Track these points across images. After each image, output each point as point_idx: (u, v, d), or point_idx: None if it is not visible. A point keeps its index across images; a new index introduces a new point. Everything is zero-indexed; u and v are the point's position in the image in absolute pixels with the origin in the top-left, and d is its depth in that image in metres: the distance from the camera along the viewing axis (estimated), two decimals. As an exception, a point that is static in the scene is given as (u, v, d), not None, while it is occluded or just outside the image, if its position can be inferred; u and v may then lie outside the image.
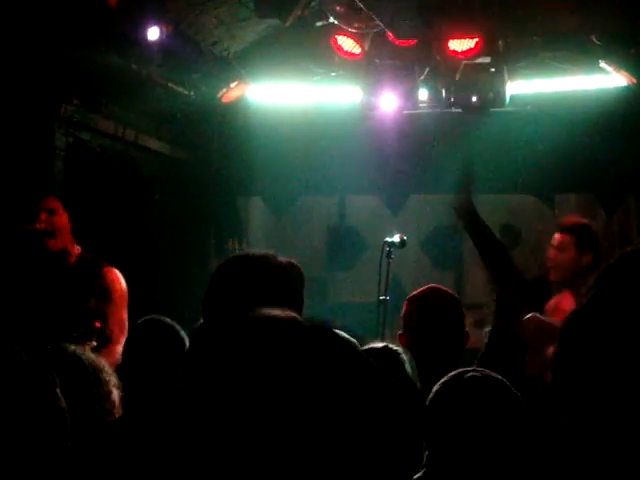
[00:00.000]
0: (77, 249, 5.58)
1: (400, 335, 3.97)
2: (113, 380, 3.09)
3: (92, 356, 3.17)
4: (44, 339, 3.92)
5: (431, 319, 3.89)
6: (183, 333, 4.00)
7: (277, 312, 1.98)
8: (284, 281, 2.75)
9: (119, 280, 5.55)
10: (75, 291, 5.39)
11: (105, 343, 5.27)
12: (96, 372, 3.05)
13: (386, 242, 5.61)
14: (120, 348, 4.99)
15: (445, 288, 4.24)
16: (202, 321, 2.80)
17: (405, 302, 4.10)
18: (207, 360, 1.97)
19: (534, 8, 7.09)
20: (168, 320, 4.11)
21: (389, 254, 5.59)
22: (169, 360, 3.83)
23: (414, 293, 4.13)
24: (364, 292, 7.73)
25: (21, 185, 6.49)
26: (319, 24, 7.40)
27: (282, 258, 2.84)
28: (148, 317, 4.22)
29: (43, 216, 5.40)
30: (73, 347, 3.12)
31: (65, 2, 6.26)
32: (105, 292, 5.49)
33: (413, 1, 6.93)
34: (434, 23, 7.14)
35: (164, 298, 7.71)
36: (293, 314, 1.73)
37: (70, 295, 5.36)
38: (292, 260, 2.86)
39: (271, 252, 2.86)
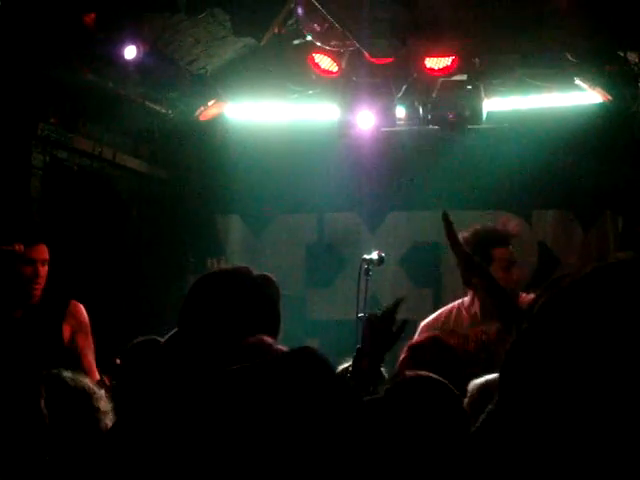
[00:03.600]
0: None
1: None
2: (106, 405, 3.09)
3: (86, 381, 3.17)
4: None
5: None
6: None
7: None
8: (259, 295, 2.76)
9: (84, 312, 5.61)
10: (47, 324, 5.42)
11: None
12: (90, 396, 3.05)
13: (364, 259, 5.59)
14: (97, 377, 5.07)
15: (446, 340, 4.18)
16: (172, 334, 2.81)
17: (405, 348, 4.07)
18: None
19: (510, 26, 7.13)
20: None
21: (367, 271, 5.57)
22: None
23: (414, 342, 4.10)
24: (342, 309, 7.73)
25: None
26: (296, 42, 7.43)
27: (257, 272, 2.84)
28: (143, 338, 4.22)
29: (41, 270, 5.39)
30: (68, 373, 3.12)
31: (42, 21, 6.25)
32: (78, 323, 5.55)
33: (388, 20, 6.95)
34: (410, 42, 7.18)
35: (143, 317, 7.67)
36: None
37: (43, 329, 5.39)
38: (267, 274, 2.87)
39: (245, 267, 2.87)
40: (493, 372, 3.60)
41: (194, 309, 2.74)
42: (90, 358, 5.50)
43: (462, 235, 5.14)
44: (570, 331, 1.21)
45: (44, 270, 5.42)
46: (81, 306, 5.61)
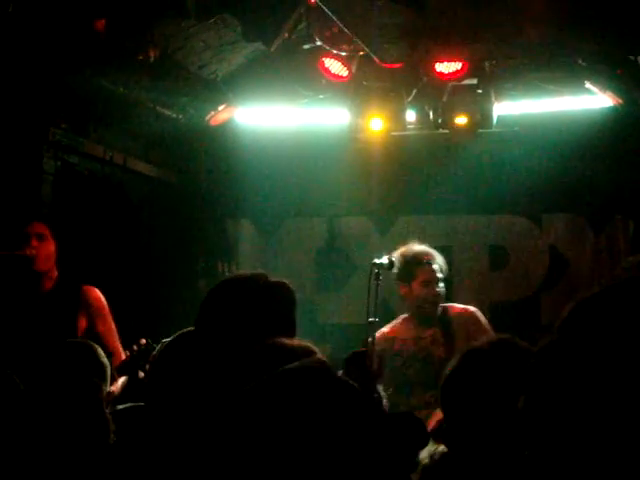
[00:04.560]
0: (55, 273, 5.57)
1: None
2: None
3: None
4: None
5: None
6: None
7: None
8: (275, 302, 2.77)
9: (101, 296, 5.57)
10: (60, 312, 5.39)
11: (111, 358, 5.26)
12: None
13: (374, 264, 5.61)
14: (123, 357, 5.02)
15: None
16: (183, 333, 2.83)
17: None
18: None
19: (519, 31, 7.13)
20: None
21: (377, 276, 5.58)
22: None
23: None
24: (353, 314, 7.73)
25: (9, 209, 6.49)
26: (306, 47, 7.43)
27: (273, 278, 2.86)
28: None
29: (34, 242, 5.40)
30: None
31: (53, 27, 6.27)
32: (95, 309, 5.50)
33: (397, 26, 6.96)
34: (419, 46, 7.19)
35: (154, 321, 7.69)
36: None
37: (56, 316, 5.36)
38: (284, 280, 2.88)
39: (262, 273, 2.88)
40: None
41: (212, 313, 2.76)
42: (114, 341, 5.39)
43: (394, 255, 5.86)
44: (595, 343, 1.22)
45: (41, 244, 5.40)
46: (96, 290, 5.55)
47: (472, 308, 6.13)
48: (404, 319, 6.13)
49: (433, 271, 6.01)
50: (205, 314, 2.81)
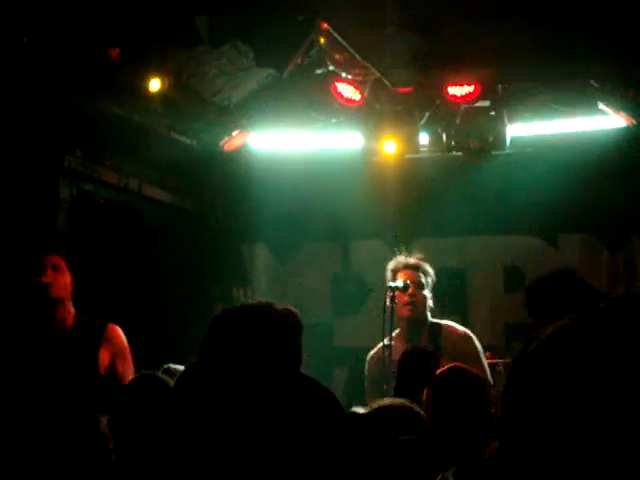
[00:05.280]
0: (73, 309, 5.57)
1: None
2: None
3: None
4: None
5: (453, 405, 3.81)
6: None
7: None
8: (280, 331, 2.77)
9: (123, 336, 5.57)
10: (82, 350, 5.38)
11: None
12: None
13: (390, 287, 5.61)
14: None
15: (468, 369, 4.19)
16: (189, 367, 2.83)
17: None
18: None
19: (531, 53, 7.15)
20: None
21: (393, 299, 5.59)
22: None
23: (437, 374, 4.11)
24: (369, 337, 7.71)
25: (25, 237, 6.52)
26: (319, 72, 7.47)
27: (279, 306, 2.85)
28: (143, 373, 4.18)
29: (49, 271, 5.42)
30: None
31: (67, 56, 6.33)
32: (117, 348, 5.50)
33: (409, 50, 7.00)
34: (431, 70, 7.22)
35: (170, 348, 7.70)
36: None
37: (78, 355, 5.35)
38: (290, 308, 2.88)
39: (267, 301, 2.88)
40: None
41: (215, 344, 2.76)
42: None
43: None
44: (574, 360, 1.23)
45: (56, 275, 5.42)
46: (119, 329, 5.55)
47: (469, 332, 5.96)
48: (396, 336, 5.90)
49: (412, 274, 5.89)
50: (208, 344, 2.81)
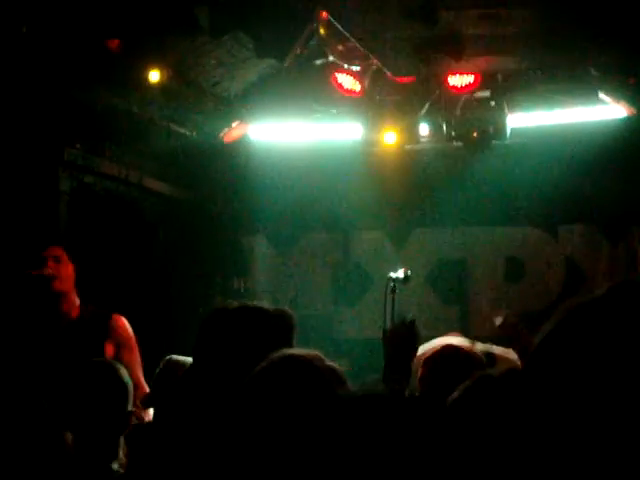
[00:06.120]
0: (77, 300, 5.56)
1: None
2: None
3: None
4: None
5: (445, 383, 3.80)
6: None
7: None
8: (272, 332, 2.75)
9: (128, 326, 5.55)
10: (87, 340, 5.37)
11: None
12: None
13: (390, 277, 5.59)
14: (146, 390, 4.98)
15: (461, 345, 4.17)
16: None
17: (421, 363, 4.07)
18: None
19: (531, 42, 7.13)
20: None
21: (393, 289, 5.57)
22: None
23: (427, 354, 4.10)
24: (370, 328, 7.72)
25: (26, 229, 6.52)
26: (319, 62, 7.45)
27: (270, 307, 2.84)
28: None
29: (50, 263, 5.41)
30: None
31: (66, 47, 6.31)
32: (123, 339, 5.48)
33: (410, 39, 6.98)
34: (431, 61, 7.20)
35: (172, 338, 7.70)
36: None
37: (83, 346, 5.33)
38: (283, 309, 2.86)
39: (259, 305, 2.87)
40: None
41: (207, 346, 2.77)
42: (137, 372, 5.30)
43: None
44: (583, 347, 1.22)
45: (58, 267, 5.41)
46: (124, 320, 5.54)
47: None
48: None
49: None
50: (200, 346, 2.82)
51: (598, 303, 1.25)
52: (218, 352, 2.71)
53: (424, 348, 3.95)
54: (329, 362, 2.33)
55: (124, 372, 3.86)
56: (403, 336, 3.71)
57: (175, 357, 4.23)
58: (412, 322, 3.73)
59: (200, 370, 2.74)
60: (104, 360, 4.67)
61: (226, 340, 2.73)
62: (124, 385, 3.77)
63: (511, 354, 5.07)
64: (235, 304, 2.86)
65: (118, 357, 5.35)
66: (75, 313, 5.46)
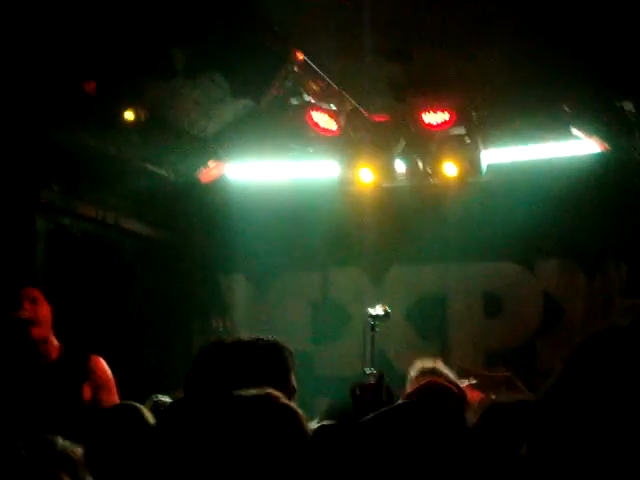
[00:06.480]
0: (56, 342, 5.52)
1: None
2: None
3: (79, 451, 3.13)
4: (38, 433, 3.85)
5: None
6: None
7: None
8: (267, 365, 2.75)
9: (107, 367, 5.51)
10: (66, 382, 5.33)
11: None
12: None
13: (370, 314, 5.60)
14: None
15: (444, 383, 4.17)
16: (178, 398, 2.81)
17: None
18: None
19: (505, 80, 7.20)
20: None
21: (373, 327, 5.57)
22: None
23: (410, 392, 4.10)
24: (350, 365, 7.71)
25: (2, 270, 6.48)
26: (295, 101, 7.49)
27: (268, 340, 2.84)
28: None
29: (27, 305, 5.38)
30: (62, 441, 3.08)
31: (42, 89, 6.32)
32: (101, 380, 5.44)
33: (384, 79, 7.04)
34: (406, 98, 7.25)
35: (149, 377, 7.65)
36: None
37: (62, 388, 5.29)
38: (277, 342, 2.86)
39: (254, 337, 2.87)
40: None
41: (201, 378, 2.75)
42: None
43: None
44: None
45: (35, 308, 5.37)
46: (102, 361, 5.50)
47: None
48: None
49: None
50: (194, 378, 2.80)
51: (623, 332, 1.27)
52: (213, 384, 2.70)
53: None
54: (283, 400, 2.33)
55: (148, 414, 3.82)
56: (370, 390, 3.73)
57: (162, 397, 4.22)
58: (380, 376, 3.74)
59: (191, 401, 2.73)
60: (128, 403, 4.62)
61: (222, 372, 2.72)
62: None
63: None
64: (230, 339, 2.86)
65: (97, 398, 5.31)
66: (54, 355, 5.42)
